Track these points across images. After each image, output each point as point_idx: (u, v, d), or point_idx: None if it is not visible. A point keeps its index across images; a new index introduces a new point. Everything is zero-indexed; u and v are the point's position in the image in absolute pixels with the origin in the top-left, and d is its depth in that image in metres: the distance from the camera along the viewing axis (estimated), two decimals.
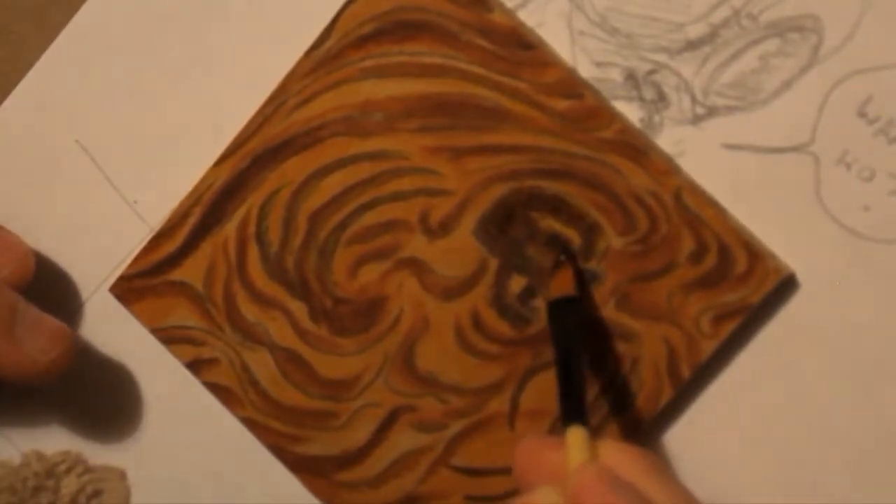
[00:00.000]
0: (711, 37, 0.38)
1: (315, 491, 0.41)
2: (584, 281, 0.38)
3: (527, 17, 0.39)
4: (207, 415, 0.42)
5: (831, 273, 0.37)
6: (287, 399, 0.41)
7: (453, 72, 0.39)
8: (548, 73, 0.38)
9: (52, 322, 0.41)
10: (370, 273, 0.40)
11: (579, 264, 0.38)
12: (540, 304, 0.39)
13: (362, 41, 0.39)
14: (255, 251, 0.40)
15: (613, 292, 0.38)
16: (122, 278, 0.42)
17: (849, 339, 0.38)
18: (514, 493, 0.39)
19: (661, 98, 0.38)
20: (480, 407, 0.40)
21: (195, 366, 0.41)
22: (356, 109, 0.39)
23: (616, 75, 0.38)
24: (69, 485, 0.43)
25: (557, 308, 0.37)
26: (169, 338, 0.41)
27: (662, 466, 0.34)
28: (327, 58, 0.39)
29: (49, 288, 0.43)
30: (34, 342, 0.40)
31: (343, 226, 0.40)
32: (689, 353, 0.38)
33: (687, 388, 0.38)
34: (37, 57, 0.42)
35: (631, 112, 0.38)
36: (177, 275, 0.41)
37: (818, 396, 0.38)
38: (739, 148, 0.38)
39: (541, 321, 0.39)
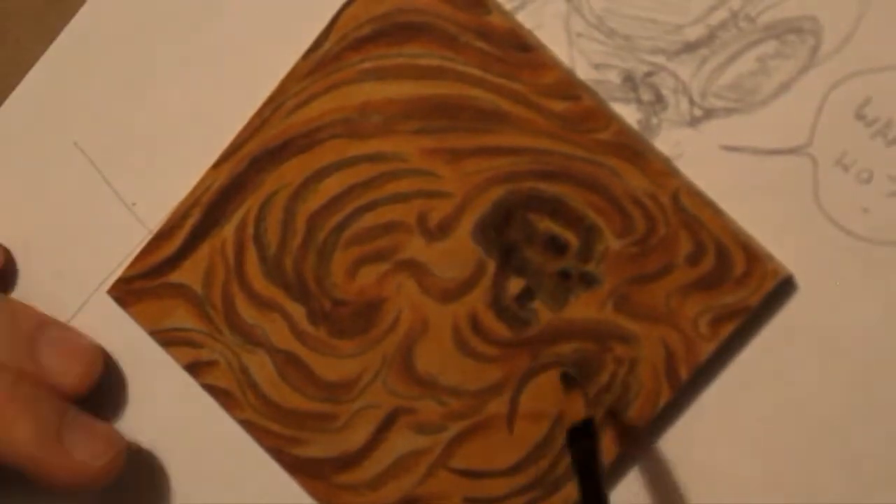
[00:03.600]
0: (709, 39, 0.38)
1: (314, 493, 0.41)
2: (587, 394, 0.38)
3: (525, 18, 0.39)
4: (206, 417, 0.42)
5: (830, 275, 0.37)
6: (286, 401, 0.41)
7: (451, 74, 0.39)
8: (546, 74, 0.38)
9: (103, 426, 0.41)
10: (369, 275, 0.40)
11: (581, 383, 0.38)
12: (538, 306, 0.39)
13: (360, 43, 0.39)
14: (253, 253, 0.41)
15: (611, 294, 0.38)
16: (120, 280, 0.42)
17: (847, 341, 0.38)
18: (512, 494, 0.39)
19: (659, 100, 0.38)
20: (479, 409, 0.39)
21: (194, 368, 0.41)
22: (354, 111, 0.39)
23: (614, 77, 0.38)
24: None
25: (575, 433, 0.35)
26: (168, 340, 0.41)
27: None
28: (325, 60, 0.39)
29: (47, 290, 0.43)
30: (86, 448, 0.40)
31: (341, 227, 0.40)
32: (688, 354, 0.38)
33: (685, 390, 0.38)
34: (35, 59, 0.43)
35: (629, 114, 0.38)
36: (175, 277, 0.41)
37: (817, 398, 0.38)
38: (737, 150, 0.38)
39: (539, 323, 0.39)
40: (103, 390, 0.43)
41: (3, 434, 0.39)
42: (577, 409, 0.36)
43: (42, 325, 0.41)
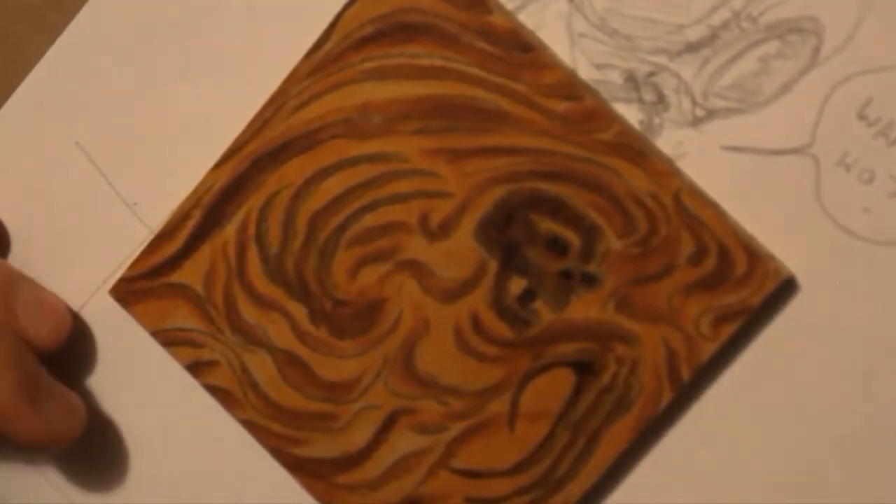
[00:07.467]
0: (711, 39, 0.38)
1: (314, 493, 0.41)
2: None
3: (526, 18, 0.39)
4: (207, 417, 0.42)
5: (831, 275, 0.37)
6: (287, 401, 0.41)
7: (453, 74, 0.39)
8: (547, 74, 0.38)
9: (70, 395, 0.41)
10: (370, 275, 0.40)
11: None
12: (539, 306, 0.39)
13: (362, 43, 0.39)
14: (254, 253, 0.40)
15: (613, 294, 0.38)
16: (121, 280, 0.42)
17: (849, 341, 0.38)
18: (513, 494, 0.39)
19: (661, 100, 0.38)
20: (480, 409, 0.39)
21: (195, 368, 0.41)
22: (355, 111, 0.39)
23: (616, 77, 0.38)
24: None
25: None
26: (169, 340, 0.41)
27: None
28: (327, 60, 0.39)
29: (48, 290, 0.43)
30: (54, 412, 0.40)
31: (343, 228, 0.40)
32: (689, 354, 0.38)
33: (687, 391, 0.38)
34: (37, 59, 0.43)
35: (630, 114, 0.38)
36: (177, 277, 0.41)
37: (818, 398, 0.38)
38: (739, 150, 0.38)
39: (540, 323, 0.39)
40: (103, 389, 0.43)
41: None
42: None
43: (15, 280, 0.41)
